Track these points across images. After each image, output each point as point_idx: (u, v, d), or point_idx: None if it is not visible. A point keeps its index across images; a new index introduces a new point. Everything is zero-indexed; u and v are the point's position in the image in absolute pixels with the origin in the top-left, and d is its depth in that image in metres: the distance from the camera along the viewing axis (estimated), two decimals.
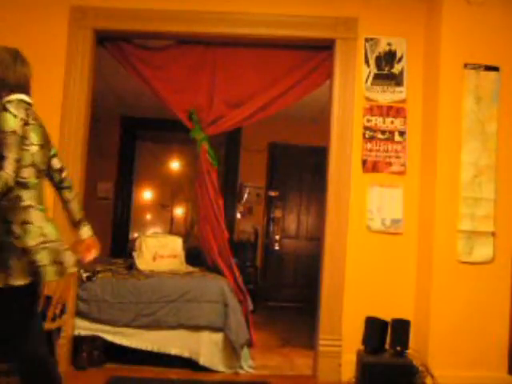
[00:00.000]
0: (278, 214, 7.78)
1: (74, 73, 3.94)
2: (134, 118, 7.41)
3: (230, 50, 4.21)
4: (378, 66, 3.97)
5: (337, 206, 3.93)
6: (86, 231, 2.59)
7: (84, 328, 3.96)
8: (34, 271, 2.19)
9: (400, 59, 3.98)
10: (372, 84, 3.96)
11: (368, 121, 3.94)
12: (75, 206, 2.58)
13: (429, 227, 3.73)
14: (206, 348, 3.99)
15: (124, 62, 4.22)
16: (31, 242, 2.20)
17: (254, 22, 3.99)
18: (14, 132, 2.17)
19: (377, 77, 3.96)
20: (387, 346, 3.58)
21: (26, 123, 2.24)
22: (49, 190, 2.55)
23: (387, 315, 3.63)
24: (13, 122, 2.18)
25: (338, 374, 3.82)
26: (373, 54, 3.97)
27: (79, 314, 3.97)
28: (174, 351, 3.99)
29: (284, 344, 5.05)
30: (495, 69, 3.72)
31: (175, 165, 8.07)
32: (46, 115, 3.91)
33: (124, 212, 7.63)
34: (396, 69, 3.98)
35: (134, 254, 4.66)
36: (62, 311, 3.24)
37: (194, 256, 5.13)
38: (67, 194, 2.57)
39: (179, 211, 8.04)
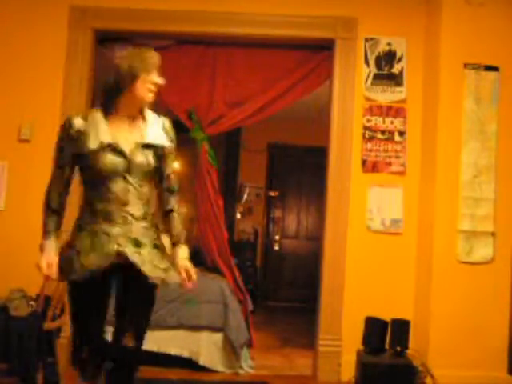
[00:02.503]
0: (277, 214, 7.78)
1: (74, 73, 3.94)
2: None
3: (229, 49, 4.20)
4: (378, 65, 3.97)
5: (337, 206, 3.93)
6: None
7: None
8: None
9: (400, 59, 3.98)
10: (372, 84, 3.96)
11: (368, 121, 3.94)
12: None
13: (428, 227, 3.73)
14: (205, 348, 3.99)
15: None
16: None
17: (254, 22, 3.99)
18: None
19: (376, 77, 3.96)
20: (387, 346, 3.58)
21: None
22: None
23: (387, 315, 3.63)
24: None
25: (338, 374, 3.82)
26: (373, 54, 3.97)
27: None
28: (173, 351, 3.98)
29: (284, 344, 5.05)
30: (495, 69, 3.72)
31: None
32: (45, 115, 3.94)
33: None
34: (396, 69, 3.98)
35: None
36: (62, 311, 3.24)
37: (194, 256, 5.13)
38: None
39: None
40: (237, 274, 4.43)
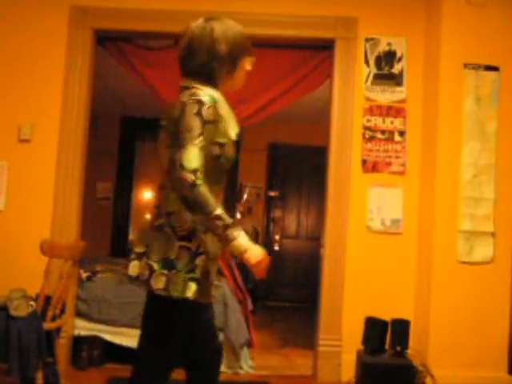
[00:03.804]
0: (277, 213, 7.78)
1: (74, 73, 3.94)
2: (134, 118, 7.40)
3: None
4: (378, 65, 3.97)
5: (337, 206, 3.93)
6: None
7: (84, 328, 3.96)
8: None
9: (400, 59, 3.98)
10: (372, 84, 3.96)
11: (368, 121, 3.94)
12: None
13: (429, 227, 3.73)
14: None
15: (124, 61, 4.22)
16: None
17: (254, 22, 3.98)
18: None
19: (377, 77, 3.96)
20: (387, 346, 3.58)
21: None
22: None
23: (387, 315, 3.63)
24: None
25: (338, 374, 3.82)
26: (373, 53, 3.97)
27: (79, 314, 3.97)
28: None
29: (284, 344, 5.05)
30: (495, 69, 3.72)
31: None
32: (45, 115, 3.94)
33: (124, 212, 7.63)
34: (396, 69, 3.98)
35: None
36: (62, 311, 3.24)
37: None
38: None
39: None
40: (237, 274, 4.43)
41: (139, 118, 7.28)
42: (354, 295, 3.87)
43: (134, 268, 1.90)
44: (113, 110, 7.07)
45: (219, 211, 1.77)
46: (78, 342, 3.92)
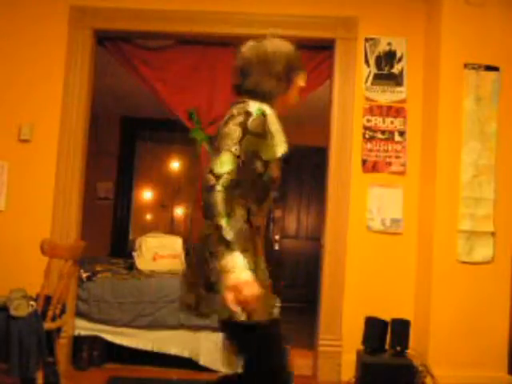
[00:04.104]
0: (277, 213, 7.78)
1: (74, 73, 3.94)
2: (134, 118, 7.40)
3: (229, 50, 4.20)
4: (378, 65, 3.97)
5: (337, 205, 3.93)
6: None
7: (84, 328, 3.97)
8: None
9: (400, 59, 3.98)
10: (372, 84, 3.96)
11: (368, 121, 3.94)
12: None
13: (429, 227, 3.73)
14: (205, 348, 3.98)
15: (124, 61, 4.22)
16: None
17: (253, 22, 3.99)
18: None
19: (377, 77, 3.96)
20: (387, 346, 3.58)
21: None
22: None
23: (387, 315, 3.63)
24: None
25: (338, 374, 3.82)
26: (373, 53, 3.97)
27: (79, 313, 3.97)
28: (173, 351, 3.99)
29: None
30: (495, 69, 3.72)
31: (175, 165, 8.06)
32: (45, 115, 3.94)
33: (124, 212, 7.63)
34: (396, 69, 3.98)
35: (134, 254, 4.66)
36: (62, 311, 3.25)
37: None
38: None
39: (179, 211, 8.03)
40: None
41: (139, 118, 7.28)
42: (354, 295, 3.87)
43: None
44: (113, 110, 7.06)
45: (223, 223, 1.66)
46: (78, 342, 3.92)
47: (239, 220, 1.81)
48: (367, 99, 3.96)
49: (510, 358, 3.63)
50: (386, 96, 3.95)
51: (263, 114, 1.85)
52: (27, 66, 3.94)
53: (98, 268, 4.35)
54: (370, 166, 3.93)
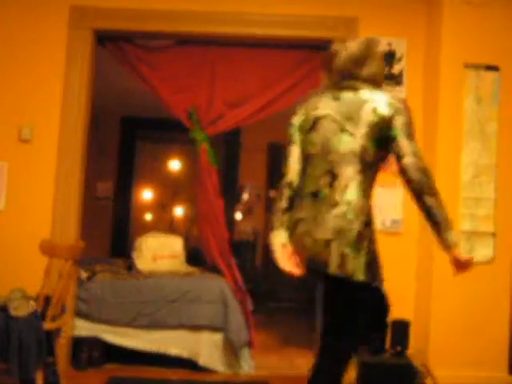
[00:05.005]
0: None
1: (74, 73, 3.94)
2: (134, 118, 7.40)
3: (229, 49, 4.20)
4: None
5: None
6: None
7: (84, 328, 3.96)
8: None
9: (400, 59, 3.98)
10: None
11: None
12: None
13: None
14: (205, 348, 3.99)
15: (124, 61, 4.22)
16: None
17: (254, 22, 3.99)
18: None
19: None
20: (387, 346, 3.58)
21: None
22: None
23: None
24: None
25: None
26: None
27: (79, 314, 3.97)
28: (173, 351, 3.99)
29: (284, 344, 5.05)
30: (495, 69, 3.72)
31: (175, 165, 8.06)
32: (45, 115, 3.94)
33: (124, 212, 7.63)
34: (396, 69, 3.98)
35: (134, 255, 4.66)
36: (62, 311, 3.25)
37: (194, 256, 5.13)
38: None
39: (179, 211, 8.03)
40: (237, 273, 4.42)
41: (139, 117, 7.28)
42: None
43: None
44: (113, 109, 7.06)
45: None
46: (78, 342, 3.92)
47: None
48: None
49: (510, 357, 3.63)
50: None
51: None
52: (27, 66, 3.93)
53: (98, 268, 4.35)
54: None
